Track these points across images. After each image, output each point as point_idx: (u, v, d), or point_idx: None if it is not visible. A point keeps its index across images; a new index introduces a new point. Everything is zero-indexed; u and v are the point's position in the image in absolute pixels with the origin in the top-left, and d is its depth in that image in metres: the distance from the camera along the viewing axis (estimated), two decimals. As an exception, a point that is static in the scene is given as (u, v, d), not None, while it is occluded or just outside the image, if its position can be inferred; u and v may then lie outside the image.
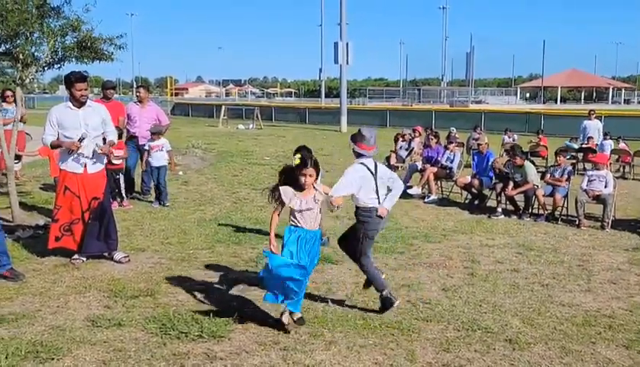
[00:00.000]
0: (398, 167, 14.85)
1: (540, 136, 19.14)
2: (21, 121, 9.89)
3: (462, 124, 27.66)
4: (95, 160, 6.89)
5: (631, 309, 5.91)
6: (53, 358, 4.54)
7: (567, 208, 10.25)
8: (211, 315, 5.41)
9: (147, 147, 10.27)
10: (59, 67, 8.45)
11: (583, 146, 17.18)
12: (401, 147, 15.59)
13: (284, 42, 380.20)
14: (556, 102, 76.10)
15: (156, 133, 10.35)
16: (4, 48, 8.19)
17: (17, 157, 11.36)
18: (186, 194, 11.77)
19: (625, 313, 5.79)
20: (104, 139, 7.02)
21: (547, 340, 5.12)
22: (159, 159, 10.28)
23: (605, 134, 18.12)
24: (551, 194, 10.26)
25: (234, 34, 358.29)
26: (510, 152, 11.24)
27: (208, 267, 6.96)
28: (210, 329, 5.10)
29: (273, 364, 4.58)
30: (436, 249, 8.05)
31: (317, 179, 5.14)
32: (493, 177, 11.15)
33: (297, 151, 5.12)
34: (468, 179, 11.47)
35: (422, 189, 12.23)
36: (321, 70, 56.71)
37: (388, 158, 15.26)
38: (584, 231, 9.38)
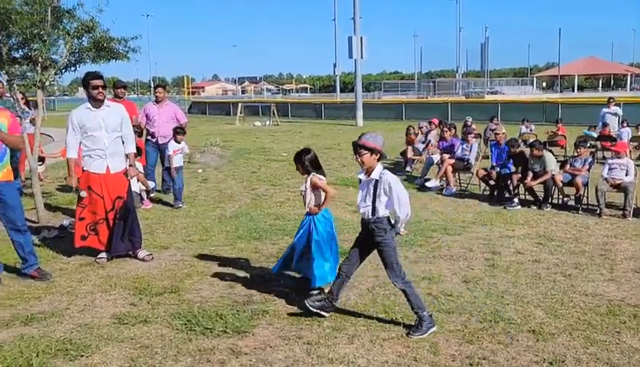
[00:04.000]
0: (415, 160, 14.83)
1: (558, 125, 18.99)
2: (31, 122, 10.02)
3: (478, 115, 27.45)
4: (117, 159, 6.98)
5: (655, 297, 5.87)
6: (82, 356, 4.62)
7: (587, 197, 10.19)
8: (235, 311, 5.48)
9: (169, 152, 10.23)
10: (74, 69, 8.57)
11: (602, 134, 17.05)
12: (418, 141, 15.55)
13: (298, 38, 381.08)
14: (573, 91, 75.30)
15: (179, 133, 10.37)
16: (22, 52, 8.32)
17: (41, 159, 11.52)
18: (206, 192, 11.86)
19: (648, 302, 5.76)
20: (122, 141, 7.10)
21: (571, 330, 5.11)
22: (178, 161, 10.31)
23: (623, 122, 17.96)
24: (570, 182, 10.20)
25: (248, 31, 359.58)
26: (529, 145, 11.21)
27: (230, 263, 7.03)
28: (234, 324, 5.17)
29: (297, 358, 4.63)
30: (456, 241, 8.05)
31: (310, 173, 5.87)
32: (512, 168, 11.10)
33: None
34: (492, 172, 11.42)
35: (440, 181, 12.21)
36: (335, 65, 56.49)
37: (404, 152, 15.23)
38: (605, 220, 9.32)
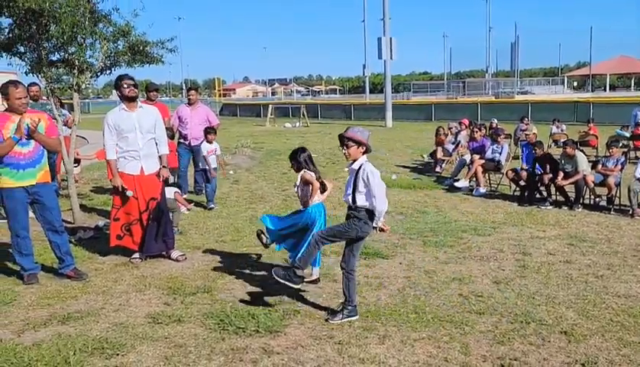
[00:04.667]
0: (445, 161, 14.78)
1: (590, 125, 18.73)
2: (66, 125, 10.21)
3: (508, 115, 27.31)
4: (150, 161, 7.12)
5: (690, 299, 5.80)
6: (118, 354, 4.72)
7: (619, 197, 10.07)
8: (267, 310, 5.55)
9: (204, 153, 10.30)
10: (110, 73, 8.74)
11: (635, 133, 16.78)
12: (448, 141, 15.50)
13: (328, 39, 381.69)
14: (605, 90, 74.06)
15: (210, 133, 10.42)
16: (59, 56, 8.51)
17: (77, 161, 11.74)
18: (237, 193, 11.99)
19: (683, 304, 5.69)
20: (155, 143, 7.22)
21: (604, 332, 5.08)
22: (213, 161, 10.37)
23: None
24: (602, 182, 10.09)
25: (278, 33, 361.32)
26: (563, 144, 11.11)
27: (261, 263, 7.12)
28: (266, 324, 5.23)
29: (329, 358, 4.67)
30: (486, 242, 8.02)
31: (302, 169, 6.19)
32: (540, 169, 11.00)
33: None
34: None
35: (470, 182, 12.17)
36: (365, 66, 56.54)
37: (434, 153, 15.19)
38: (638, 220, 9.20)
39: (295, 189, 6.35)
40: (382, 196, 5.22)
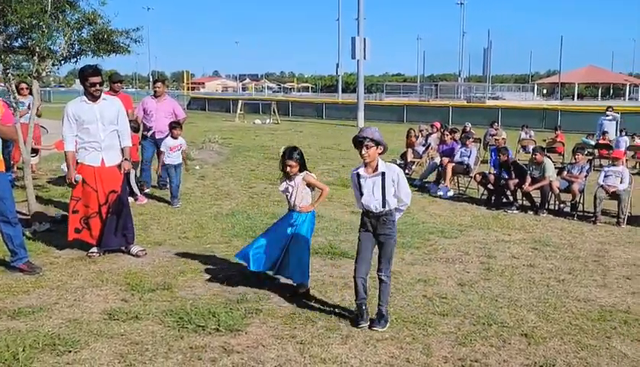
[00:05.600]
0: (414, 163, 14.82)
1: (557, 132, 19.00)
2: (36, 114, 9.95)
3: (479, 120, 27.48)
4: (112, 153, 6.94)
5: (649, 305, 5.87)
6: (70, 351, 4.57)
7: (583, 204, 10.20)
8: (229, 309, 5.45)
9: (163, 149, 10.08)
10: (75, 61, 8.51)
11: (600, 142, 17.05)
12: (419, 143, 15.54)
13: (301, 37, 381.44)
14: (573, 99, 75.31)
15: (175, 128, 10.15)
16: (20, 42, 8.26)
17: (35, 151, 11.44)
18: (203, 189, 11.83)
19: (641, 309, 5.76)
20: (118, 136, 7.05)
21: (563, 335, 5.11)
22: (176, 158, 10.12)
23: (621, 131, 18.00)
24: (567, 188, 10.23)
25: (251, 28, 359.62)
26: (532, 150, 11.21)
27: (224, 261, 6.98)
28: (227, 322, 5.13)
29: (290, 357, 4.60)
30: (452, 244, 8.03)
31: (301, 170, 5.87)
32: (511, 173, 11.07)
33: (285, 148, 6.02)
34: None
35: (451, 184, 12.25)
36: (338, 65, 56.56)
37: (404, 154, 15.21)
38: (600, 227, 9.35)
39: (286, 190, 5.93)
40: (408, 190, 5.18)
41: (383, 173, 5.05)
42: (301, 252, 5.86)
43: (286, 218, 6.03)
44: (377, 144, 4.99)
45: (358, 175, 5.17)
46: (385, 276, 5.18)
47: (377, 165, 5.08)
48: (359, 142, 5.03)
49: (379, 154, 5.06)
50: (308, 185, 5.90)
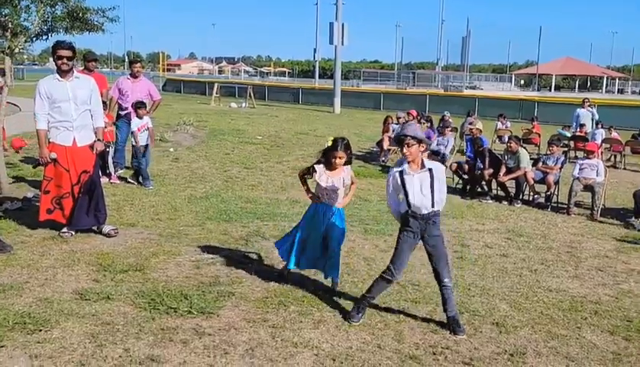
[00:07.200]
0: (390, 150, 14.84)
1: (534, 123, 19.16)
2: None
3: (456, 109, 27.60)
4: (84, 133, 6.83)
5: (617, 296, 5.97)
6: (40, 330, 4.53)
7: (557, 195, 10.31)
8: (201, 291, 5.42)
9: (133, 129, 9.94)
10: (46, 38, 8.35)
11: (576, 134, 17.22)
12: (394, 130, 15.54)
13: (279, 21, 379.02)
14: (550, 90, 76.03)
15: (140, 108, 9.93)
16: None
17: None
18: (177, 171, 11.73)
19: (610, 300, 5.85)
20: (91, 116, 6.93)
21: (534, 324, 5.17)
22: (143, 139, 9.96)
23: (597, 123, 18.17)
24: (542, 180, 10.32)
25: (228, 11, 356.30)
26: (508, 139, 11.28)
27: (198, 244, 6.94)
28: (199, 305, 5.11)
29: (262, 341, 4.60)
30: (426, 232, 8.05)
31: (349, 163, 5.57)
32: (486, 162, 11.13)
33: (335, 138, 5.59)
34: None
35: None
36: (315, 50, 56.32)
37: (380, 142, 15.22)
38: (574, 218, 9.45)
39: (333, 184, 5.55)
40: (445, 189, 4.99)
41: (431, 170, 4.85)
42: (337, 250, 5.68)
43: (319, 213, 5.66)
44: (419, 141, 4.83)
45: (401, 173, 4.89)
46: (450, 281, 4.99)
47: (422, 162, 4.89)
48: (400, 140, 4.87)
49: (422, 151, 4.88)
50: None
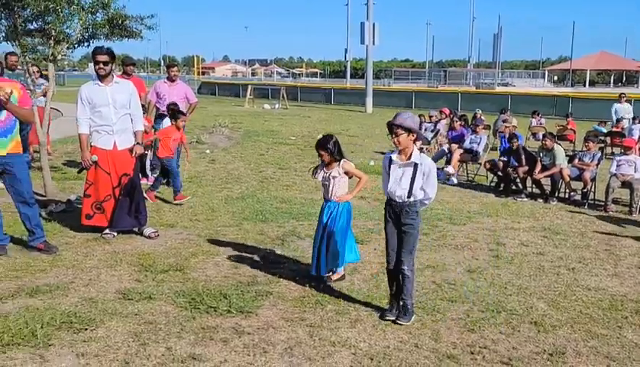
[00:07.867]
0: (422, 149, 14.79)
1: (568, 119, 18.90)
2: (44, 95, 10.00)
3: (488, 106, 27.38)
4: (124, 136, 7.00)
5: (658, 294, 5.88)
6: (86, 329, 4.65)
7: (594, 192, 10.18)
8: (240, 291, 5.52)
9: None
10: (88, 45, 8.56)
11: (612, 130, 16.94)
12: (426, 129, 15.51)
13: (310, 22, 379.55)
14: (584, 86, 74.81)
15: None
16: (36, 25, 8.31)
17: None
18: (213, 172, 11.89)
19: (651, 298, 5.77)
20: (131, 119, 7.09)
21: (573, 323, 5.13)
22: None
23: (634, 119, 17.84)
24: (578, 177, 10.20)
25: (260, 13, 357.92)
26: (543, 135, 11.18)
27: (235, 244, 7.05)
28: (238, 304, 5.20)
29: (300, 340, 4.66)
30: (461, 231, 8.05)
31: (338, 159, 5.71)
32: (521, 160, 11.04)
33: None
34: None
35: (459, 170, 12.27)
36: (346, 51, 56.41)
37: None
38: (611, 216, 9.32)
39: (325, 179, 5.76)
40: (436, 184, 5.03)
41: (416, 165, 4.90)
42: (336, 247, 5.77)
43: (323, 211, 5.86)
44: (408, 131, 4.81)
45: (390, 160, 5.02)
46: (408, 270, 5.02)
47: (411, 154, 4.92)
48: (390, 129, 4.91)
49: (414, 141, 4.89)
50: (346, 173, 5.76)
